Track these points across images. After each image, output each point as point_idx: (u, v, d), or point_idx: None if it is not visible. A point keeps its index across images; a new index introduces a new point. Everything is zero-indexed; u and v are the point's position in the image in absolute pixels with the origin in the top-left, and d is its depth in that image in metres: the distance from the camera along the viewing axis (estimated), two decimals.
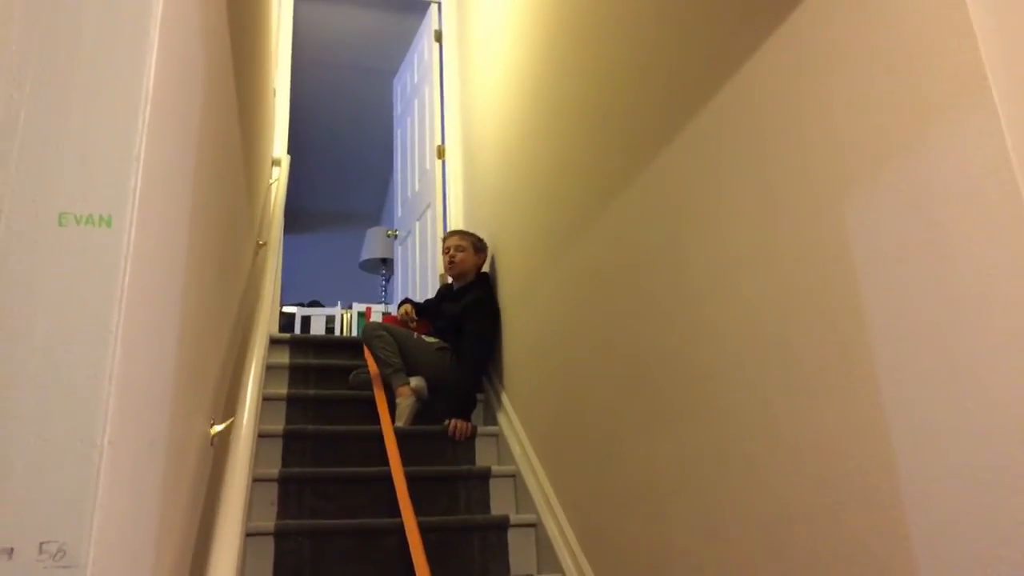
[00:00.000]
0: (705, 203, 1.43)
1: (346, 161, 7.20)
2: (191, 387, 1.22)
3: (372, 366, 3.01)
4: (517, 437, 2.64)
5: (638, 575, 1.67)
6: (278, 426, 2.63)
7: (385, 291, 5.97)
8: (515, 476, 2.55)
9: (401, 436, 2.64)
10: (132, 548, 0.81)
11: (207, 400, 1.46)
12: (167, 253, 0.96)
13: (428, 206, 4.33)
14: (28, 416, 0.68)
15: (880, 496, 0.97)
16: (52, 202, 0.76)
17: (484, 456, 2.77)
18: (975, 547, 0.83)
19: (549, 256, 2.40)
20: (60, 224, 0.76)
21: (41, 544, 0.64)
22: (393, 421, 2.76)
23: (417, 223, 4.53)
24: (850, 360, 1.03)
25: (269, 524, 2.15)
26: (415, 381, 2.91)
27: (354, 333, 5.35)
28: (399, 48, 5.39)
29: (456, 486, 2.51)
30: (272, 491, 2.33)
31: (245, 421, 1.53)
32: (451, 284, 3.37)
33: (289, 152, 4.08)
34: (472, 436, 2.78)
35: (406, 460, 2.52)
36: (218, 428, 1.53)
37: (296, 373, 3.15)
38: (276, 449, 2.55)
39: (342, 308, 5.73)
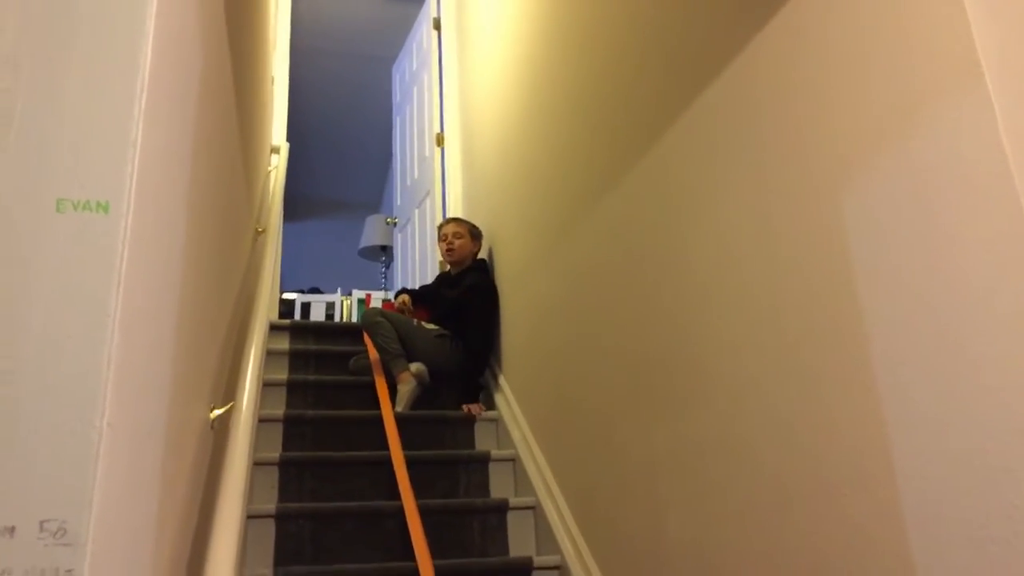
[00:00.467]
0: (702, 190, 1.44)
1: (345, 149, 7.20)
2: (190, 371, 1.23)
3: (372, 352, 3.03)
4: (516, 421, 2.66)
5: (636, 557, 1.69)
6: (279, 411, 2.65)
7: (385, 278, 5.98)
8: (514, 460, 2.57)
9: (401, 421, 2.66)
10: (132, 527, 0.83)
11: (207, 384, 1.47)
12: (165, 238, 0.97)
13: (427, 194, 4.33)
14: (28, 399, 0.69)
15: (874, 479, 0.98)
16: (49, 188, 0.77)
17: (483, 440, 2.79)
18: (967, 528, 0.84)
19: (547, 242, 2.41)
20: (57, 210, 0.77)
21: (42, 522, 0.66)
22: (393, 406, 2.78)
23: (416, 211, 4.54)
24: (845, 345, 1.04)
25: (270, 507, 2.17)
26: (415, 366, 2.93)
27: (354, 319, 5.37)
28: (398, 36, 5.38)
29: (456, 470, 2.53)
30: (273, 475, 2.36)
31: (245, 405, 1.55)
32: (449, 270, 3.38)
33: (288, 140, 4.08)
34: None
35: (406, 444, 2.54)
36: (218, 412, 1.54)
37: (296, 359, 3.17)
38: (277, 434, 2.57)
39: (342, 295, 5.75)
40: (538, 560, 2.12)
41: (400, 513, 2.22)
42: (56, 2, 0.82)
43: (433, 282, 3.51)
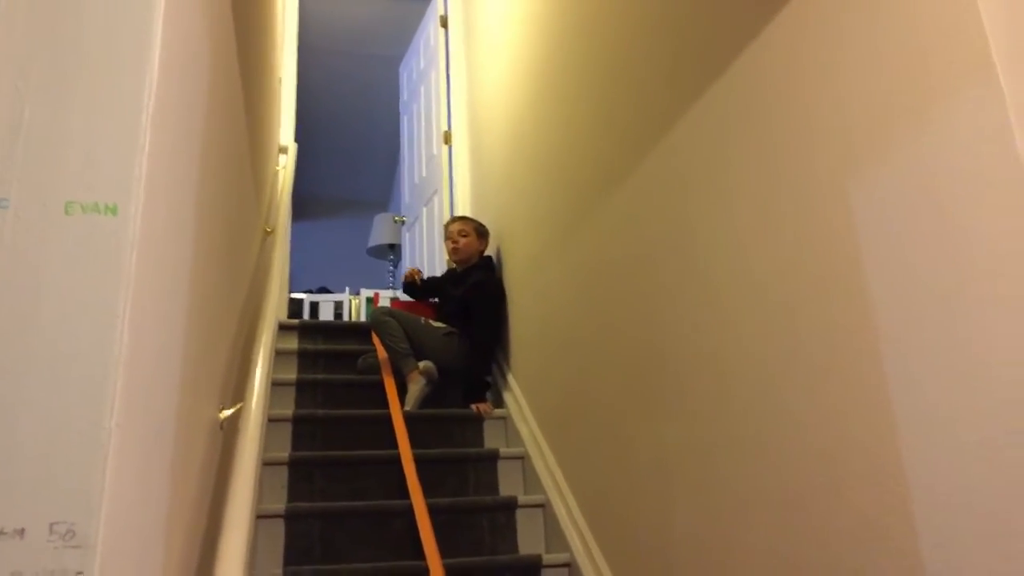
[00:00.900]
0: (711, 185, 1.43)
1: (353, 148, 7.21)
2: (199, 372, 1.23)
3: (380, 350, 3.03)
4: (525, 419, 2.66)
5: (646, 554, 1.69)
6: (288, 411, 2.66)
7: (393, 277, 5.99)
8: (523, 458, 2.57)
9: (410, 419, 2.67)
10: (142, 528, 0.83)
11: (216, 385, 1.48)
12: (173, 240, 0.97)
13: (435, 192, 4.34)
14: (37, 401, 0.70)
15: (884, 473, 0.97)
16: (58, 191, 0.77)
17: (492, 438, 2.79)
18: (977, 521, 0.84)
19: (556, 238, 2.40)
20: (66, 213, 0.77)
21: (51, 525, 0.66)
22: (402, 405, 2.78)
23: (424, 209, 4.54)
24: (855, 338, 1.03)
25: (280, 507, 2.18)
26: (424, 364, 2.93)
27: (362, 318, 5.38)
28: (405, 34, 5.38)
29: (465, 468, 2.53)
30: (283, 474, 2.36)
31: (254, 405, 1.55)
32: (456, 268, 3.38)
33: (296, 140, 4.08)
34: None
35: (415, 443, 2.54)
36: (227, 413, 1.55)
37: (305, 358, 3.18)
38: (286, 433, 2.58)
39: (350, 294, 5.76)
40: (547, 558, 2.12)
41: (409, 512, 2.22)
42: (63, 5, 0.82)
43: (442, 276, 3.51)
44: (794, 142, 1.17)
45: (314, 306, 5.61)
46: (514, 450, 2.60)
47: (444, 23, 4.49)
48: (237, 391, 1.77)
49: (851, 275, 1.04)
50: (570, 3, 2.29)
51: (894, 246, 0.97)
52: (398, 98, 5.44)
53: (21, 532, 0.66)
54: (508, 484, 2.55)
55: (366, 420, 2.68)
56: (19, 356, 0.70)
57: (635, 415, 1.75)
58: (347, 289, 5.93)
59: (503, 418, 2.84)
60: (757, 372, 1.26)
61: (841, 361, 1.06)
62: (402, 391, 2.87)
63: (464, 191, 4.08)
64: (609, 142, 1.94)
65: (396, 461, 2.44)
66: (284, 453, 2.42)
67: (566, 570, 2.10)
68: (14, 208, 0.75)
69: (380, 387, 2.89)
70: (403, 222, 5.13)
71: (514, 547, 2.30)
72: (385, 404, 2.78)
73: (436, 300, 3.44)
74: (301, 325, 3.44)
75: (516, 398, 2.81)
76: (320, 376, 3.04)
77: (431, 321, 3.12)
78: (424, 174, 4.61)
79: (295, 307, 5.35)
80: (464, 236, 3.26)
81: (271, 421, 2.56)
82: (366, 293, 5.52)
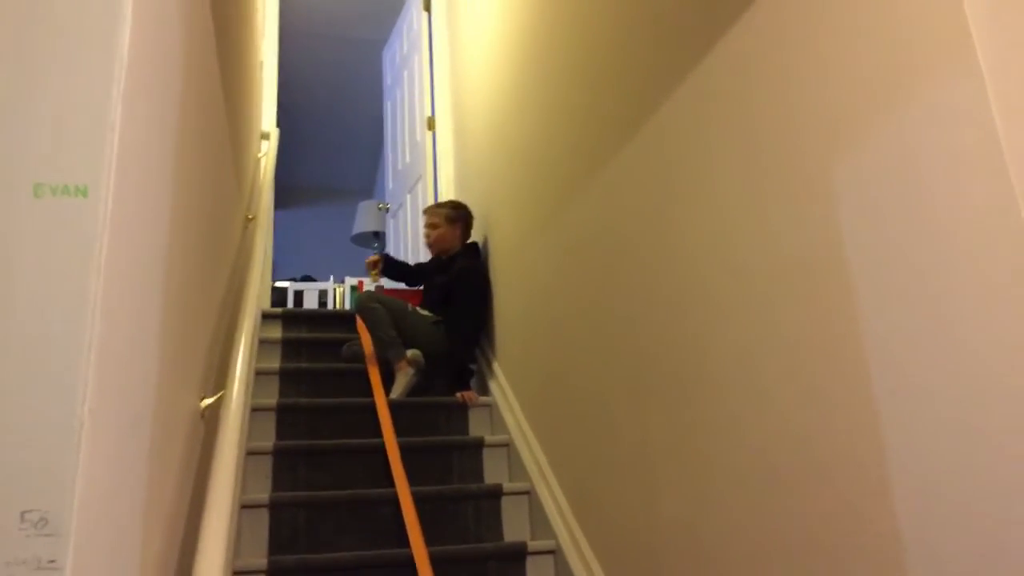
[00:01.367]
0: (693, 168, 1.42)
1: (336, 134, 7.15)
2: (178, 359, 1.21)
3: (365, 337, 3.00)
4: (510, 406, 2.66)
5: (631, 539, 1.69)
6: (272, 400, 2.64)
7: None
8: (508, 445, 2.57)
9: (395, 408, 2.65)
10: (118, 517, 0.81)
11: (196, 373, 1.46)
12: (147, 223, 0.95)
13: (419, 178, 4.31)
14: (6, 386, 0.68)
15: (864, 456, 0.98)
16: (26, 173, 0.75)
17: (477, 426, 2.78)
18: (957, 504, 0.84)
19: (540, 223, 2.39)
20: (35, 195, 0.75)
21: (23, 513, 0.64)
22: (387, 393, 2.77)
23: (409, 196, 4.51)
24: (836, 321, 1.03)
25: (264, 496, 2.16)
26: (411, 353, 2.91)
27: (347, 307, 5.35)
28: (388, 18, 5.32)
29: (450, 456, 2.53)
30: (267, 464, 2.34)
31: (235, 393, 1.53)
32: (441, 256, 3.36)
33: (278, 125, 4.03)
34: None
35: (399, 431, 2.53)
36: (208, 401, 1.53)
37: (289, 347, 3.15)
38: (270, 422, 2.56)
39: (334, 282, 5.72)
40: (533, 545, 2.12)
41: (394, 500, 2.21)
42: None
43: (428, 262, 3.46)
44: (777, 125, 1.17)
45: (298, 295, 5.57)
46: (499, 437, 2.60)
47: (427, 6, 4.44)
48: (219, 380, 1.75)
49: (833, 257, 1.04)
50: None
51: (874, 224, 0.97)
52: (381, 83, 5.39)
53: None
54: (493, 472, 2.54)
55: (350, 408, 2.66)
56: None
57: (618, 400, 1.75)
58: (331, 277, 5.90)
59: (488, 406, 2.83)
60: (740, 355, 1.26)
61: (822, 343, 1.06)
62: (387, 379, 2.85)
63: (448, 177, 4.06)
64: (592, 126, 1.93)
65: (381, 450, 2.43)
66: (268, 442, 2.41)
67: (551, 557, 2.10)
68: None
69: (365, 375, 2.87)
70: (387, 209, 5.10)
71: (499, 534, 2.29)
72: (370, 392, 2.76)
73: (421, 288, 3.42)
74: (284, 314, 3.41)
75: (501, 386, 2.80)
76: (304, 365, 3.02)
77: (418, 308, 3.10)
78: (408, 160, 4.58)
79: (279, 296, 5.30)
80: (434, 228, 3.23)
81: (255, 410, 2.54)
82: (351, 281, 5.49)
